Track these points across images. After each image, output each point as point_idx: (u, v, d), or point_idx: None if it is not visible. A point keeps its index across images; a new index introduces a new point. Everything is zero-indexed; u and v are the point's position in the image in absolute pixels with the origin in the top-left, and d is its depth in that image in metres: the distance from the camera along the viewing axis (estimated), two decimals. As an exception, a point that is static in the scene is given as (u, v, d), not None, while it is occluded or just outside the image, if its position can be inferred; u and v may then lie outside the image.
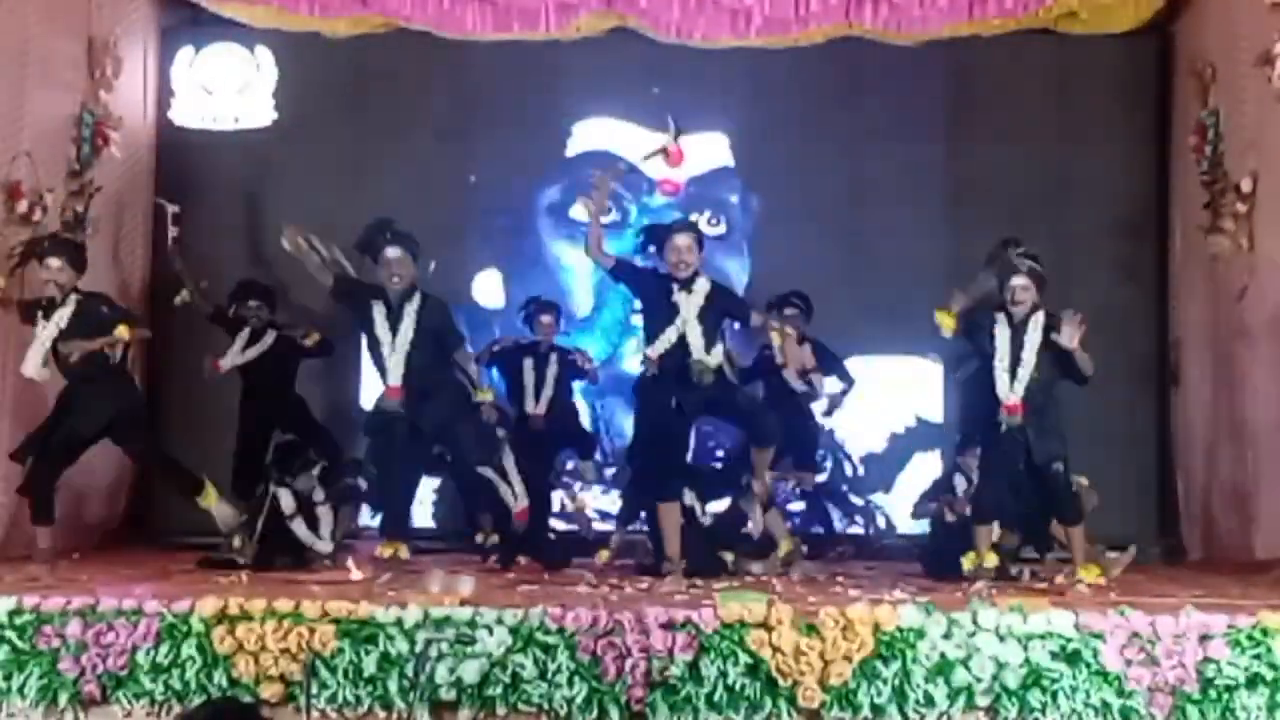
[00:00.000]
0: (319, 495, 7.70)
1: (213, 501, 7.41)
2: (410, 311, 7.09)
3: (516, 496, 7.73)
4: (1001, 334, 6.92)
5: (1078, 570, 6.85)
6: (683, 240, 7.01)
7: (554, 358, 8.45)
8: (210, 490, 7.46)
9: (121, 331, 7.18)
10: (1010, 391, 6.85)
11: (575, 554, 7.94)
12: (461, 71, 9.60)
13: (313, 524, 7.60)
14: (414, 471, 7.50)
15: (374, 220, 7.46)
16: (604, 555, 7.70)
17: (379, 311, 7.11)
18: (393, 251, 7.12)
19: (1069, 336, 6.77)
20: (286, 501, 7.52)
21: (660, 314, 6.99)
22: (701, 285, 7.01)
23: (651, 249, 7.20)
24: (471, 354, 7.82)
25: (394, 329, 7.07)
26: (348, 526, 8.06)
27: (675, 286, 6.96)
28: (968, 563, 6.92)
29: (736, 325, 7.32)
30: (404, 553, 7.06)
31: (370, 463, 7.49)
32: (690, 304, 6.93)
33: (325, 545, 7.58)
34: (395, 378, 7.05)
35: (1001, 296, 6.95)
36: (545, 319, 8.48)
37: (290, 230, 7.26)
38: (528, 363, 8.39)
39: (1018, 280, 6.89)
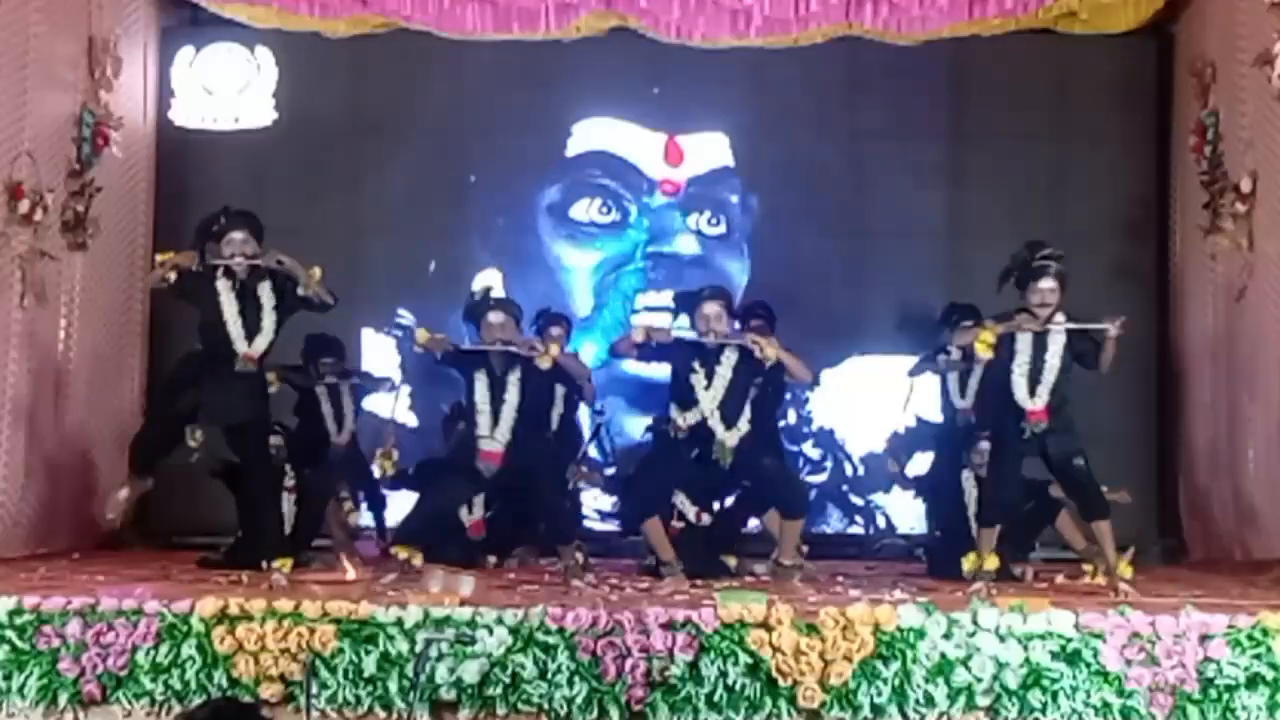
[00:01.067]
0: (287, 483, 7.71)
1: (286, 568, 6.85)
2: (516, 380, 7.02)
3: (470, 508, 7.76)
4: (1023, 339, 6.79)
5: (1117, 566, 6.68)
6: (711, 309, 6.98)
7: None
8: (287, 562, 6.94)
9: (315, 272, 6.85)
10: (1032, 398, 6.75)
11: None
12: (461, 71, 9.61)
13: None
14: (466, 492, 7.42)
15: (478, 291, 7.43)
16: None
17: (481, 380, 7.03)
18: (495, 317, 7.04)
19: (1114, 328, 6.73)
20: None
21: (686, 386, 6.99)
22: (729, 358, 6.97)
23: (685, 315, 7.21)
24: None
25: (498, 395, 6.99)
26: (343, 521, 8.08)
27: (698, 364, 6.93)
28: (968, 564, 6.90)
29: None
30: (418, 559, 7.02)
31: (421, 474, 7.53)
32: (715, 385, 6.91)
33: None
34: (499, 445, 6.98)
35: (1028, 300, 6.82)
36: (555, 331, 8.37)
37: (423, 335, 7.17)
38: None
39: (1045, 284, 6.76)
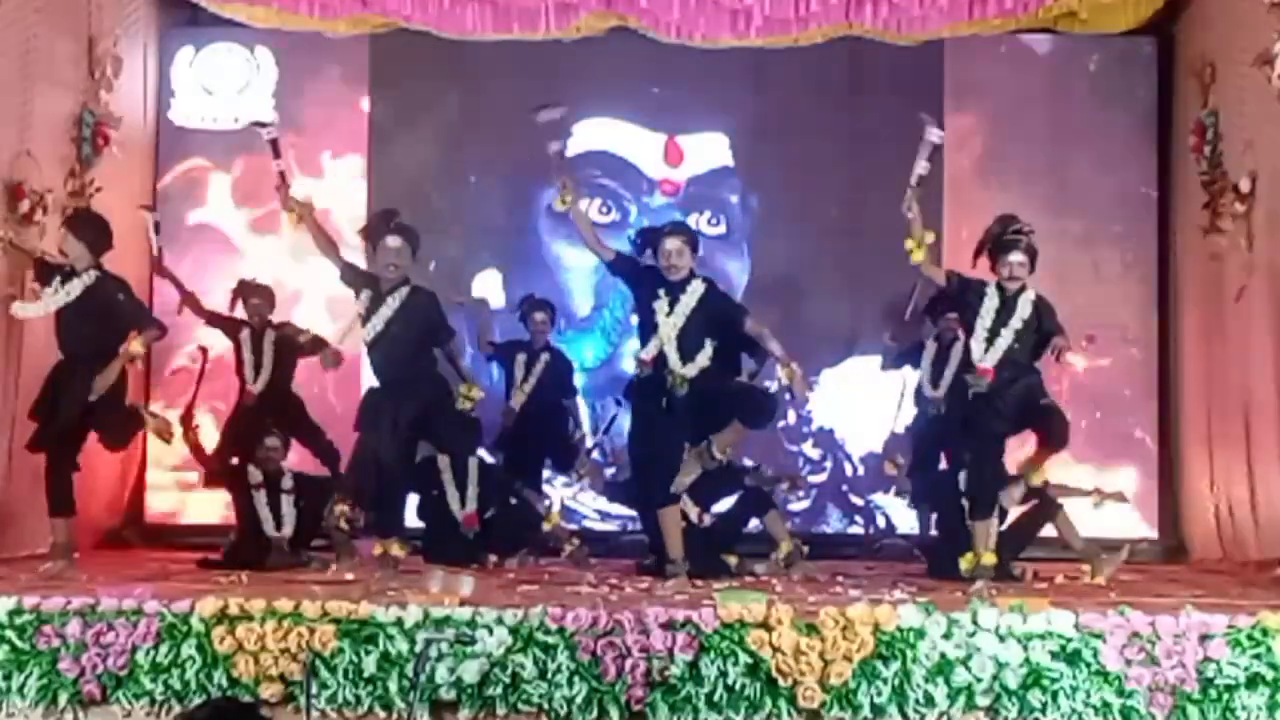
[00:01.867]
0: (287, 484, 7.73)
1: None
2: (395, 302, 7.06)
3: (465, 501, 7.74)
4: (990, 303, 6.94)
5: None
6: (672, 244, 6.98)
7: (544, 357, 8.43)
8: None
9: (135, 347, 7.16)
10: (984, 356, 6.88)
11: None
12: (461, 71, 9.61)
13: (275, 510, 7.66)
14: (402, 467, 7.39)
15: (379, 210, 7.44)
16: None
17: (365, 299, 7.09)
18: (393, 241, 7.09)
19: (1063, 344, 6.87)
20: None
21: (649, 318, 6.99)
22: (694, 289, 6.96)
23: (648, 252, 7.18)
24: (465, 348, 7.79)
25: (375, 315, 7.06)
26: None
27: (662, 292, 6.94)
28: (965, 563, 6.91)
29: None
30: (396, 549, 7.04)
31: (358, 458, 7.44)
32: (676, 312, 6.89)
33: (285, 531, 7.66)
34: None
35: (998, 273, 6.99)
36: (539, 316, 8.48)
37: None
38: (520, 359, 8.43)
39: (1015, 256, 6.93)
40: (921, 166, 7.02)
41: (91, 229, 7.29)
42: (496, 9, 8.99)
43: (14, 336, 7.92)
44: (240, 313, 8.29)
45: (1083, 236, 9.35)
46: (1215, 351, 8.54)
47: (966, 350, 7.09)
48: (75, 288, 7.14)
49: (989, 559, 6.86)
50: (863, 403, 9.35)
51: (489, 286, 9.61)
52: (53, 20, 8.24)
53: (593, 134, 9.74)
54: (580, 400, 9.07)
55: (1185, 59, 9.14)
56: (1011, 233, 7.01)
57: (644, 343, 7.00)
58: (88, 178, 8.54)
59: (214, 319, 8.41)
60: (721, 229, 9.74)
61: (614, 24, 9.08)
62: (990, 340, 6.91)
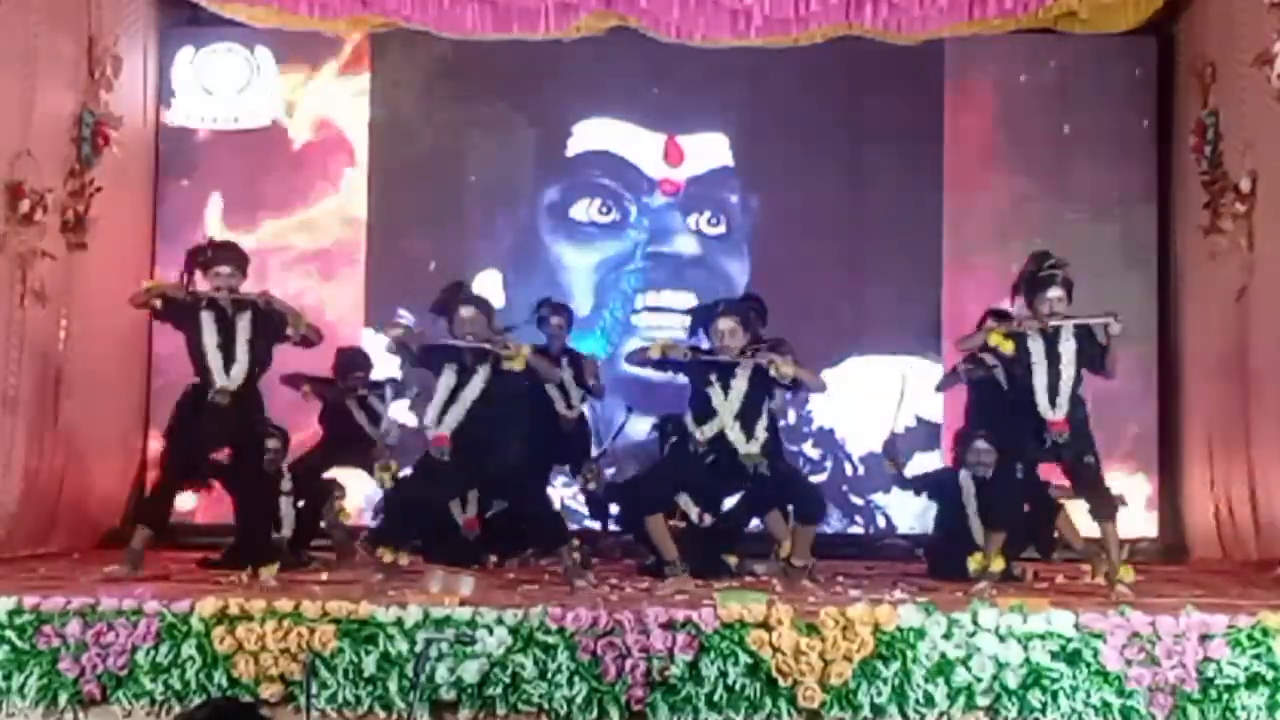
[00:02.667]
0: (286, 484, 7.71)
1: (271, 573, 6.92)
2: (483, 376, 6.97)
3: (465, 506, 7.74)
4: (1036, 348, 6.79)
5: (1118, 569, 6.66)
6: (725, 325, 6.91)
7: (564, 361, 8.38)
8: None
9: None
10: (1053, 409, 6.74)
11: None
12: (461, 71, 9.61)
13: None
14: (448, 495, 7.47)
15: (449, 284, 7.28)
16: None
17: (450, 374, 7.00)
18: (466, 311, 6.99)
19: (1114, 323, 6.77)
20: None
21: (704, 398, 6.94)
22: (744, 369, 6.90)
23: (700, 331, 7.15)
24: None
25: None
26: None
27: (714, 378, 6.89)
28: (974, 563, 6.89)
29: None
30: (404, 559, 7.02)
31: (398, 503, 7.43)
32: (731, 398, 6.87)
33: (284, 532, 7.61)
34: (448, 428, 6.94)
35: (1037, 310, 6.83)
36: (556, 320, 8.38)
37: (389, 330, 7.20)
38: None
39: (1054, 293, 6.78)
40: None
41: (236, 252, 7.18)
42: (496, 9, 8.98)
43: (14, 337, 7.92)
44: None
45: (1083, 236, 9.34)
46: (1215, 351, 8.53)
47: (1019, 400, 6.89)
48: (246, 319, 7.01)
49: (998, 564, 6.84)
50: (863, 403, 9.35)
51: (489, 286, 9.62)
52: (53, 20, 8.24)
53: (593, 134, 9.75)
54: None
55: (1185, 59, 9.14)
56: (1048, 268, 6.86)
57: (699, 420, 6.94)
58: (88, 178, 8.53)
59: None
60: (721, 229, 9.74)
61: (614, 24, 9.07)
62: (1054, 388, 6.74)
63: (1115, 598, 6.31)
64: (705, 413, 6.92)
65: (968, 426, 7.87)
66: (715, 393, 6.88)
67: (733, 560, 7.53)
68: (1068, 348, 6.78)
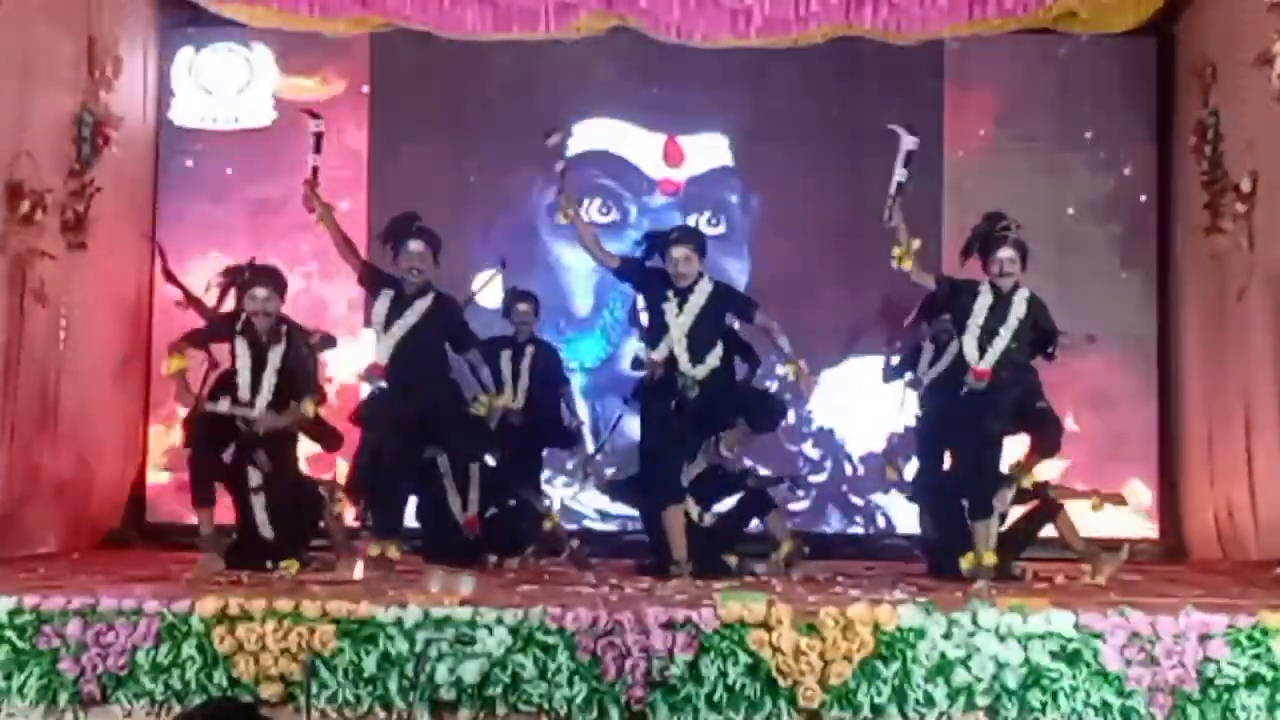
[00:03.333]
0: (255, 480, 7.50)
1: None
2: (421, 306, 7.13)
3: (466, 505, 7.72)
4: (983, 302, 6.93)
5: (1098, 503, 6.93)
6: (679, 251, 7.03)
7: (529, 350, 8.30)
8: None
9: (308, 408, 7.11)
10: (980, 359, 6.86)
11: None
12: (461, 71, 9.61)
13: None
14: (404, 468, 7.41)
15: (400, 214, 7.47)
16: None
17: (385, 300, 7.16)
18: (415, 245, 7.16)
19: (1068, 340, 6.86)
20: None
21: (658, 319, 7.03)
22: (701, 288, 7.02)
23: (656, 257, 7.20)
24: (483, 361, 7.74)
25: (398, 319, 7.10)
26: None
27: (670, 294, 6.99)
28: (966, 563, 6.91)
29: (739, 323, 7.32)
30: (393, 551, 7.04)
31: (363, 458, 7.44)
32: (684, 314, 6.94)
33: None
34: (382, 357, 7.11)
35: (989, 272, 7.00)
36: (522, 307, 8.32)
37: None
38: (505, 355, 8.19)
39: (1004, 252, 6.93)
40: (900, 174, 7.11)
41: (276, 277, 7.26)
42: (496, 9, 8.99)
43: (14, 338, 7.92)
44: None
45: (1083, 236, 9.35)
46: (1215, 351, 8.54)
47: (961, 351, 7.07)
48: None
49: (990, 558, 6.86)
50: (863, 403, 9.35)
51: (489, 286, 9.61)
52: (53, 20, 8.25)
53: (593, 134, 9.74)
54: (580, 399, 9.05)
55: (1185, 59, 9.14)
56: (1000, 229, 7.01)
57: (653, 344, 7.02)
58: (88, 178, 8.55)
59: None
60: (721, 229, 9.74)
61: (614, 24, 9.08)
62: (986, 340, 6.90)
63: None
64: (659, 333, 6.98)
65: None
66: (670, 308, 6.95)
67: (732, 560, 7.54)
68: (1016, 310, 6.88)
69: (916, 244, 7.00)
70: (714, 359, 6.99)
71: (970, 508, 7.11)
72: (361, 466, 7.35)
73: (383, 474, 7.20)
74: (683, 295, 6.99)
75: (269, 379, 7.06)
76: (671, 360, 6.97)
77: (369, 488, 7.32)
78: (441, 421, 7.24)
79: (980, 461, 7.06)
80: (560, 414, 8.48)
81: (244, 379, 7.06)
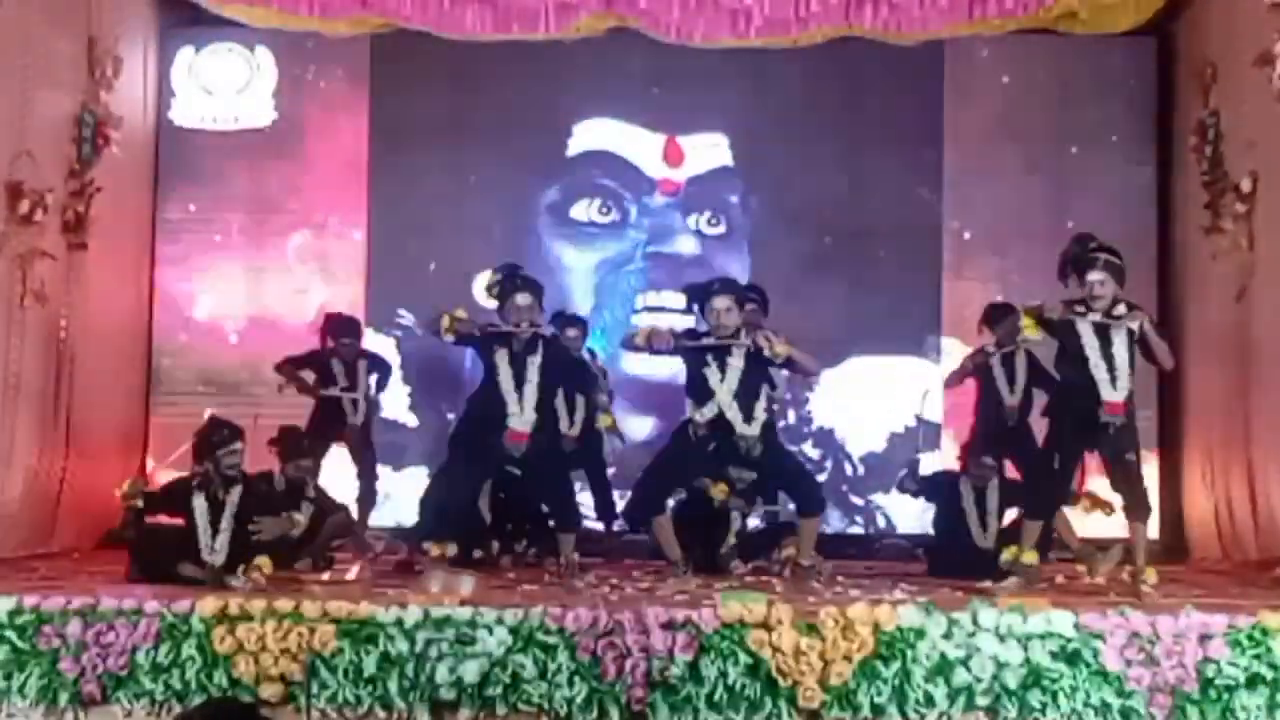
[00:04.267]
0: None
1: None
2: (536, 359, 6.98)
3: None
4: (1086, 331, 6.66)
5: (1143, 570, 6.60)
6: (721, 303, 6.89)
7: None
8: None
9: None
10: (1114, 389, 6.58)
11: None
12: (461, 71, 9.61)
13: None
14: (479, 478, 7.41)
15: (504, 265, 7.27)
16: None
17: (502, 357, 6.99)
18: (523, 299, 6.97)
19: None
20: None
21: (700, 379, 6.92)
22: (739, 350, 6.86)
23: (695, 308, 7.16)
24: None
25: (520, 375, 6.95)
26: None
27: (710, 358, 6.87)
28: (1008, 554, 6.79)
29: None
30: (451, 550, 6.99)
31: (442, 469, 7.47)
32: (729, 375, 6.84)
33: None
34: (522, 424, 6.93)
35: (1083, 294, 6.72)
36: (571, 333, 8.12)
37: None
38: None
39: (1094, 275, 6.67)
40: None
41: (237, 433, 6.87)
42: (496, 9, 8.98)
43: (14, 338, 7.92)
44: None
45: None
46: (1215, 351, 8.53)
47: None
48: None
49: (1030, 557, 6.73)
50: (863, 403, 9.36)
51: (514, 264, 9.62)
52: (53, 20, 8.25)
53: (593, 134, 9.75)
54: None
55: (1185, 59, 9.14)
56: (1091, 251, 6.77)
57: (698, 402, 6.92)
58: (88, 178, 8.55)
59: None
60: (721, 229, 9.75)
61: (614, 24, 9.07)
62: (1110, 370, 6.60)
63: (1139, 599, 6.25)
64: (703, 394, 6.91)
65: (976, 417, 7.85)
66: (712, 373, 6.87)
67: (734, 561, 7.55)
68: (1119, 333, 6.65)
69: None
70: (761, 410, 6.91)
71: (1033, 506, 6.96)
72: (438, 509, 7.24)
73: (459, 505, 7.21)
74: (720, 359, 6.86)
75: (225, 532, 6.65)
76: (719, 419, 6.87)
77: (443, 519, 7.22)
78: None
79: (1064, 469, 6.87)
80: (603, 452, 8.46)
81: (204, 539, 6.63)
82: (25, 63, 7.97)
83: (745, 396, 6.87)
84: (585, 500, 8.55)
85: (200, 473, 6.70)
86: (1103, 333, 6.66)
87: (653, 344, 6.94)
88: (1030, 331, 6.87)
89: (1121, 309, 6.68)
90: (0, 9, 7.76)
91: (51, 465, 8.33)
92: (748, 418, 6.86)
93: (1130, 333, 6.66)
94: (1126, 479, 6.77)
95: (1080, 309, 6.68)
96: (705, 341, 6.91)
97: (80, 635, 5.46)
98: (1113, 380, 6.62)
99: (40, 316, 8.14)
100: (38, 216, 7.96)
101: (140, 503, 6.76)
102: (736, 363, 6.86)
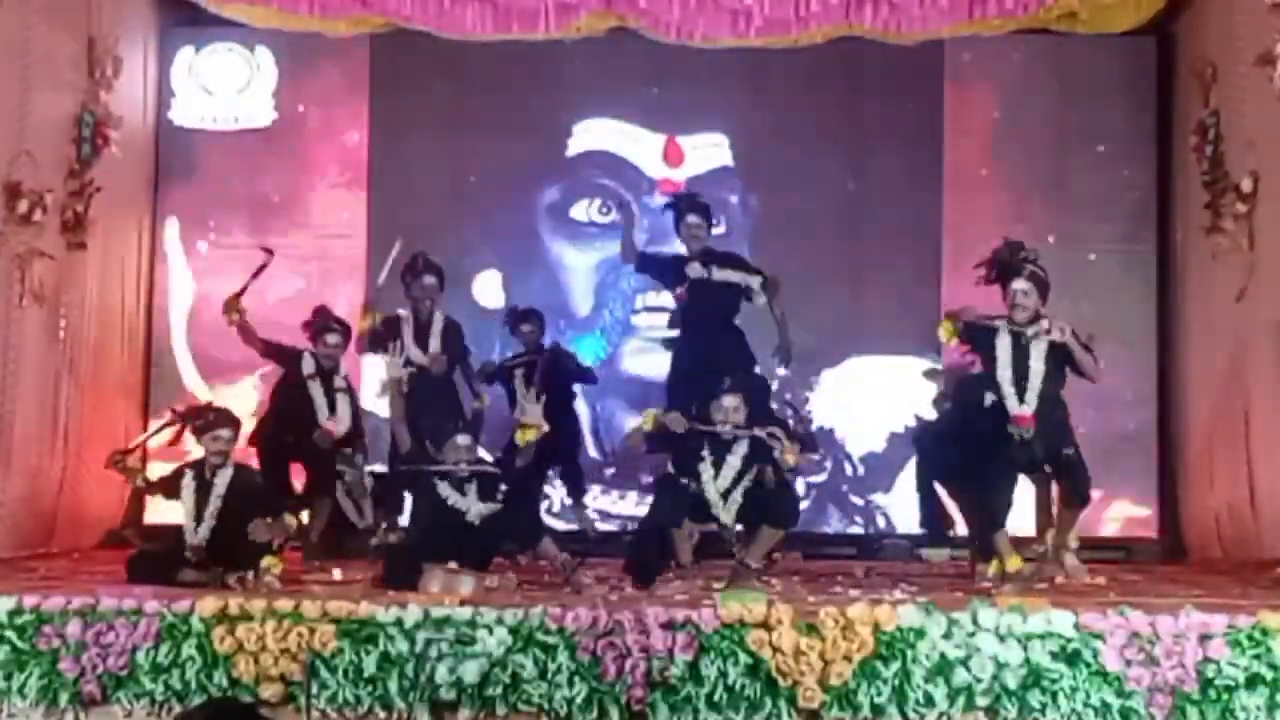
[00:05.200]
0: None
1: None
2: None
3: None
4: (1003, 343, 6.70)
5: (1059, 554, 6.84)
6: (730, 401, 6.76)
7: (540, 364, 8.27)
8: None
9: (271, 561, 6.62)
10: (1021, 404, 6.64)
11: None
12: (461, 71, 9.61)
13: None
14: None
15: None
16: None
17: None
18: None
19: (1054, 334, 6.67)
20: None
21: (692, 470, 6.82)
22: (739, 448, 6.75)
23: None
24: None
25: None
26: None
27: (707, 453, 6.76)
28: (993, 569, 6.80)
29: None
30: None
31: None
32: (722, 475, 6.74)
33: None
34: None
35: (1006, 301, 6.78)
36: (526, 328, 8.29)
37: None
38: (519, 374, 8.09)
39: (1018, 284, 6.70)
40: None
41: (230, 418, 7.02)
42: (496, 9, 8.98)
43: (14, 338, 7.92)
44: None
45: (1083, 236, 9.35)
46: (1215, 352, 8.53)
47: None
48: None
49: (1014, 562, 6.73)
50: (863, 403, 9.36)
51: (489, 286, 9.61)
52: (53, 20, 8.24)
53: (593, 134, 9.75)
54: (580, 400, 9.03)
55: (1186, 59, 9.13)
56: (1018, 260, 6.79)
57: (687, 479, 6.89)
58: (87, 178, 8.54)
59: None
60: (721, 229, 9.70)
61: (614, 24, 9.07)
62: (1019, 384, 6.65)
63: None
64: (691, 476, 6.79)
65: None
66: (705, 469, 6.74)
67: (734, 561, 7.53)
68: (1039, 345, 6.67)
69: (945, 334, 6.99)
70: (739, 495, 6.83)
71: (982, 529, 7.00)
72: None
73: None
74: (719, 454, 6.75)
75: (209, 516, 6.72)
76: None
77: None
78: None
79: (996, 491, 6.88)
80: (574, 438, 8.53)
81: (188, 521, 6.73)
82: (25, 63, 7.97)
83: (733, 489, 6.77)
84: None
85: (196, 462, 6.84)
86: (1021, 344, 6.66)
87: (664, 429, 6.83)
88: (947, 338, 6.89)
89: (1045, 323, 6.68)
90: (0, 9, 7.75)
91: (51, 465, 8.33)
92: (728, 503, 6.76)
93: (1052, 345, 6.65)
94: (1069, 473, 6.85)
95: (999, 320, 6.73)
96: (714, 428, 6.75)
97: (80, 635, 5.47)
98: (1020, 393, 6.63)
99: (39, 316, 8.14)
100: (37, 216, 7.96)
101: (140, 481, 7.06)
102: (734, 463, 6.73)
